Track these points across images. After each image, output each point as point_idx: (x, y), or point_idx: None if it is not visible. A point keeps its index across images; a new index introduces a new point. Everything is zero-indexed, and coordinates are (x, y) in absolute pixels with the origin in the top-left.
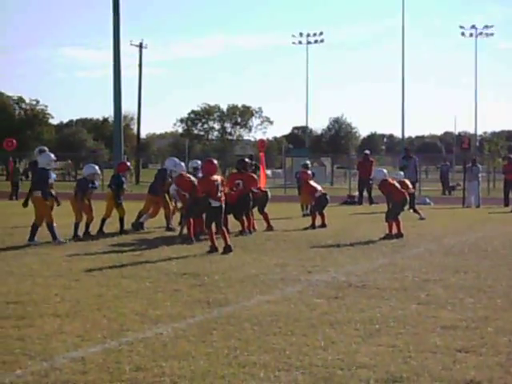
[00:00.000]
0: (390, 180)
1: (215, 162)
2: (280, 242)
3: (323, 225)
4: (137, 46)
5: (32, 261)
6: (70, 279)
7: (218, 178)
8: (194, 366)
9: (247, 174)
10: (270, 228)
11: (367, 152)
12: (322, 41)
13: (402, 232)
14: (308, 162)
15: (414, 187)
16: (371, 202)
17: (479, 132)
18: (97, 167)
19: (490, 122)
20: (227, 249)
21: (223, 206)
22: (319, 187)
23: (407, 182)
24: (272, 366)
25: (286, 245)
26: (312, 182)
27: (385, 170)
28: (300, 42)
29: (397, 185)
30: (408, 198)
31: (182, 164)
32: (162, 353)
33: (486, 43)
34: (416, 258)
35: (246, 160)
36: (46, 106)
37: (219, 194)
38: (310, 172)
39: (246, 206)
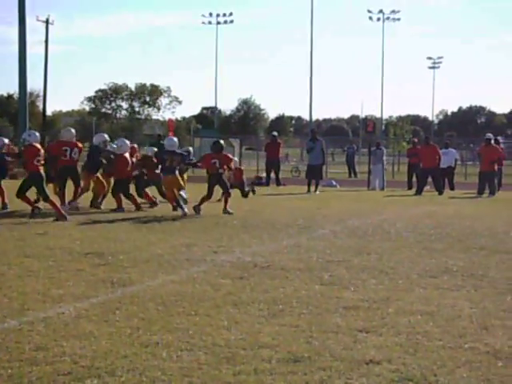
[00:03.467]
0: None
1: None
2: (186, 222)
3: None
4: (43, 21)
5: None
6: None
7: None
8: (96, 346)
9: (223, 154)
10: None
11: (275, 133)
12: (231, 21)
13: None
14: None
15: (321, 169)
16: (278, 183)
17: (385, 116)
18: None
19: (396, 106)
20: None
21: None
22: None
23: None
24: (175, 345)
25: (192, 225)
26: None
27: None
28: (210, 22)
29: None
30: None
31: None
32: (64, 332)
33: (392, 28)
34: (321, 239)
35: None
36: None
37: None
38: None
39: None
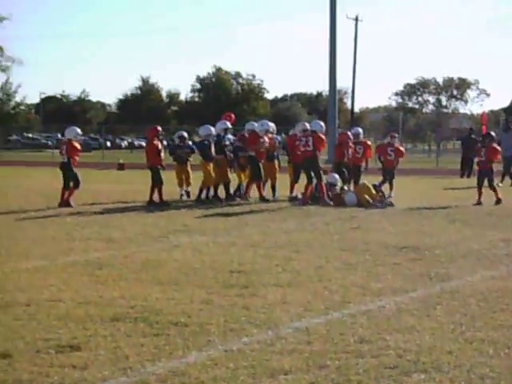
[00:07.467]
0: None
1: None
2: (503, 216)
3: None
4: (353, 19)
5: (252, 232)
6: (290, 250)
7: None
8: (420, 341)
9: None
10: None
11: None
12: None
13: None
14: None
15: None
16: None
17: None
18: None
19: None
20: None
21: None
22: None
23: None
24: (501, 343)
25: (509, 220)
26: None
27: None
28: None
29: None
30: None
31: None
32: (386, 326)
33: None
34: None
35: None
36: (262, 81)
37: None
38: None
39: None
